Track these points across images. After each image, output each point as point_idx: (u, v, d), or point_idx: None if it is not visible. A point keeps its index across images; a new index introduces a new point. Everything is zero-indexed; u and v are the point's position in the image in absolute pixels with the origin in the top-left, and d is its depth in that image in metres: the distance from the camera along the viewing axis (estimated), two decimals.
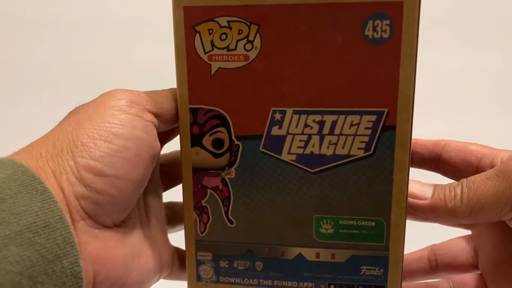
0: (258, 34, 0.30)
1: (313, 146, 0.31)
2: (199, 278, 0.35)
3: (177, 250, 0.36)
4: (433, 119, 0.73)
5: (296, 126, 0.31)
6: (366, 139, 0.31)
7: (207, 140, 0.32)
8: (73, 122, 0.30)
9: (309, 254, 0.33)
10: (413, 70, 0.29)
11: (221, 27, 0.30)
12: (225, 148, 0.32)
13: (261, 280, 0.34)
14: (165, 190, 0.37)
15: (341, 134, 0.31)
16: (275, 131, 0.31)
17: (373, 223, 0.32)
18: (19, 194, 0.25)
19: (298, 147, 0.32)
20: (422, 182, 0.33)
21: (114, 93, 0.30)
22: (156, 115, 0.31)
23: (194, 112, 0.32)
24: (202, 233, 0.34)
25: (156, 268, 0.33)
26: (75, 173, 0.28)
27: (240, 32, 0.30)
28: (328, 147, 0.31)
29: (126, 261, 0.31)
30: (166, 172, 0.36)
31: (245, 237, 0.33)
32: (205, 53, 0.31)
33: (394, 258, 0.32)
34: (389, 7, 0.29)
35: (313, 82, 0.30)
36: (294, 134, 0.31)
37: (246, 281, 0.34)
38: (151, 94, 0.32)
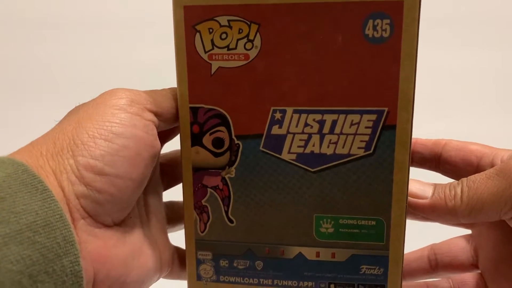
0: (258, 33, 0.30)
1: (313, 145, 0.31)
2: (199, 277, 0.35)
3: (177, 249, 0.36)
4: (433, 119, 0.73)
5: (296, 125, 0.31)
6: (366, 138, 0.31)
7: (207, 139, 0.32)
8: (73, 121, 0.30)
9: (309, 253, 0.33)
10: (413, 70, 0.29)
11: (221, 26, 0.30)
12: (225, 147, 0.32)
13: (261, 280, 0.34)
14: (165, 189, 0.37)
15: (341, 133, 0.31)
16: (275, 130, 0.31)
17: (373, 223, 0.32)
18: (19, 193, 0.25)
19: (298, 146, 0.32)
20: (422, 182, 0.33)
21: (114, 92, 0.30)
22: (156, 114, 0.31)
23: (194, 111, 0.32)
24: (202, 232, 0.34)
25: (156, 267, 0.33)
26: (75, 172, 0.28)
27: (241, 31, 0.30)
28: (328, 146, 0.31)
29: (126, 260, 0.30)
30: (166, 172, 0.36)
31: (245, 236, 0.33)
32: (205, 52, 0.31)
33: (394, 258, 0.32)
34: (389, 6, 0.29)
35: (313, 81, 0.30)
36: (294, 133, 0.31)
37: (246, 280, 0.34)
38: (151, 93, 0.32)
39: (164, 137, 0.34)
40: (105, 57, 0.81)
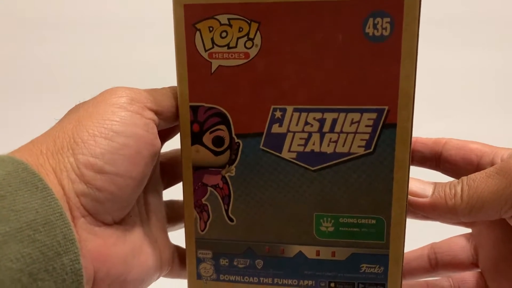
0: (258, 32, 0.30)
1: (314, 144, 0.31)
2: (199, 276, 0.35)
3: (177, 248, 0.36)
4: (433, 119, 0.73)
5: (297, 124, 0.31)
6: (367, 137, 0.31)
7: (207, 138, 0.32)
8: (74, 119, 0.30)
9: (309, 252, 0.33)
10: (413, 68, 0.29)
11: (221, 24, 0.30)
12: (225, 146, 0.32)
13: (261, 278, 0.34)
14: (165, 188, 0.37)
15: (341, 132, 0.31)
16: (276, 129, 0.31)
17: (374, 221, 0.32)
18: (19, 191, 0.25)
19: (299, 145, 0.31)
20: (423, 180, 0.33)
21: (114, 91, 0.30)
22: (156, 113, 0.31)
23: (194, 110, 0.32)
24: (202, 231, 0.34)
25: (156, 266, 0.33)
26: (75, 170, 0.28)
27: (241, 29, 0.30)
28: (328, 145, 0.31)
29: (126, 259, 0.30)
30: (166, 170, 0.36)
31: (245, 235, 0.33)
32: (206, 50, 0.31)
33: (394, 256, 0.32)
34: (390, 5, 0.29)
35: (314, 80, 0.30)
36: (294, 132, 0.31)
37: (246, 279, 0.34)
38: (152, 92, 0.32)
39: (164, 136, 0.34)
40: (105, 57, 0.81)
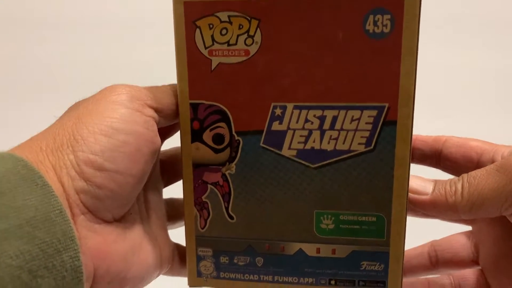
0: (258, 29, 0.30)
1: (314, 142, 0.31)
2: (199, 274, 0.35)
3: (177, 246, 0.36)
4: (433, 119, 0.73)
5: (297, 121, 0.31)
6: (367, 134, 0.31)
7: (207, 136, 0.32)
8: (73, 116, 0.30)
9: (310, 249, 0.33)
10: (413, 65, 0.29)
11: (221, 22, 0.30)
12: (225, 143, 0.32)
13: (261, 276, 0.34)
14: (165, 186, 0.37)
15: (341, 129, 0.31)
16: (276, 126, 0.31)
17: (374, 219, 0.32)
18: (19, 188, 0.25)
19: (299, 143, 0.31)
20: (423, 178, 0.33)
21: (114, 88, 0.30)
22: (156, 110, 0.31)
23: (194, 107, 0.32)
24: (202, 228, 0.34)
25: (156, 263, 0.33)
26: (75, 167, 0.28)
27: (241, 27, 0.30)
28: (328, 142, 0.31)
29: (126, 256, 0.30)
30: (166, 168, 0.36)
31: (246, 232, 0.33)
32: (206, 48, 0.31)
33: (394, 254, 0.32)
34: (390, 2, 0.29)
35: (314, 77, 0.30)
36: (294, 129, 0.31)
37: (247, 276, 0.34)
38: (152, 89, 0.32)
39: (164, 133, 0.34)
40: (105, 57, 0.81)
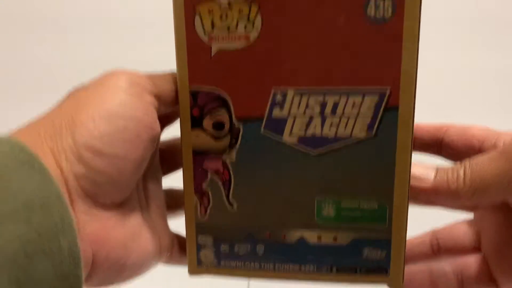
0: (258, 14, 0.30)
1: (315, 128, 0.31)
2: (199, 262, 0.34)
3: (177, 236, 0.36)
4: (433, 119, 0.73)
5: (298, 108, 0.31)
6: (369, 120, 0.30)
7: (207, 123, 0.32)
8: (72, 102, 0.29)
9: (311, 237, 0.33)
10: (415, 50, 0.29)
11: (221, 7, 0.30)
12: (225, 130, 0.32)
13: (262, 264, 0.34)
14: (164, 174, 0.36)
15: (343, 115, 0.31)
16: (276, 113, 0.31)
17: (376, 206, 0.32)
18: (16, 172, 0.25)
19: (300, 130, 0.31)
20: (425, 165, 0.32)
21: (114, 74, 0.30)
22: (156, 96, 0.31)
23: (194, 94, 0.32)
24: (202, 217, 0.34)
25: (156, 251, 0.33)
26: (74, 152, 0.28)
27: (241, 12, 0.30)
28: (330, 129, 0.31)
29: (126, 243, 0.30)
30: (165, 158, 0.36)
31: (246, 220, 0.33)
32: (205, 34, 0.31)
33: (396, 241, 0.32)
34: None
35: (315, 62, 0.30)
36: (295, 116, 0.31)
37: (248, 264, 0.34)
38: (152, 76, 0.31)
39: (164, 121, 0.34)
40: (105, 57, 0.81)
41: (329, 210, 0.32)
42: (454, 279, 0.35)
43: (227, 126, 0.32)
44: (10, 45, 0.84)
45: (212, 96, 0.31)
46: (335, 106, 0.31)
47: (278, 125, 0.31)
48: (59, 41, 0.83)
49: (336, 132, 0.31)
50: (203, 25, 0.31)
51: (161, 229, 0.34)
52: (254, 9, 0.30)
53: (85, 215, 0.28)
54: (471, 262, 0.35)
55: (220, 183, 0.33)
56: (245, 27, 0.30)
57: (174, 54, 0.31)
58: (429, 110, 0.67)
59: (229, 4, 0.30)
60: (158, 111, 0.31)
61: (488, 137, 0.34)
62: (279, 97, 0.31)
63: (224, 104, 0.31)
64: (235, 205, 0.33)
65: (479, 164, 0.31)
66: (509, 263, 0.33)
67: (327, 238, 0.33)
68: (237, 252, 0.34)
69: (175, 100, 0.32)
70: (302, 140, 0.31)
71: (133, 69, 0.31)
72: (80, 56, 0.82)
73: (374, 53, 0.29)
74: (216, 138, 0.32)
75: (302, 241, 0.33)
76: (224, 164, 0.32)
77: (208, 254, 0.34)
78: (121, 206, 0.31)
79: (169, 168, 0.37)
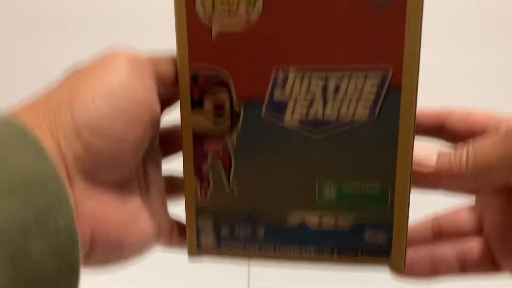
0: None
1: (316, 111, 0.31)
2: (199, 245, 0.34)
3: (176, 222, 0.35)
4: None
5: (299, 90, 0.31)
6: (371, 103, 0.30)
7: (207, 105, 0.32)
8: (72, 81, 0.29)
9: (312, 220, 0.32)
10: (419, 30, 0.29)
11: None
12: (226, 113, 0.31)
13: (262, 247, 0.33)
14: (163, 157, 0.36)
15: (345, 98, 0.30)
16: (278, 95, 0.31)
17: (378, 189, 0.31)
18: (12, 150, 0.25)
19: (301, 112, 0.31)
20: (427, 148, 0.32)
21: (114, 54, 0.30)
22: (156, 78, 0.31)
23: (194, 76, 0.31)
24: (202, 200, 0.33)
25: (155, 234, 0.33)
26: (72, 132, 0.28)
27: None
28: (331, 113, 0.31)
29: (125, 224, 0.30)
30: (165, 142, 0.35)
31: (247, 203, 0.33)
32: (206, 15, 0.30)
33: (398, 224, 0.32)
34: None
35: (317, 41, 0.30)
36: (297, 99, 0.31)
37: (248, 247, 0.34)
38: (152, 57, 0.31)
39: (164, 103, 0.33)
40: None
41: (330, 192, 0.32)
42: (456, 263, 0.35)
43: (227, 108, 0.31)
44: (10, 45, 0.84)
45: (212, 76, 0.31)
46: (336, 88, 0.30)
47: (279, 109, 0.31)
48: (59, 41, 0.83)
49: (338, 116, 0.31)
50: (203, 6, 0.30)
51: (161, 213, 0.34)
52: None
53: (84, 195, 0.28)
54: (473, 246, 0.35)
55: (220, 166, 0.32)
56: (246, 8, 0.30)
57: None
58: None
59: None
60: (158, 93, 0.31)
61: (491, 122, 0.34)
62: (280, 78, 0.30)
63: (224, 85, 0.31)
64: (235, 188, 0.33)
65: (481, 147, 0.31)
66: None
67: (328, 222, 0.32)
68: (237, 234, 0.33)
69: (175, 82, 0.32)
70: (304, 123, 0.31)
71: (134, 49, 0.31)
72: (80, 56, 0.82)
73: (377, 32, 0.29)
74: (217, 120, 0.32)
75: (303, 226, 0.33)
76: (225, 147, 0.32)
77: (208, 237, 0.34)
78: (121, 188, 0.30)
79: (168, 152, 0.36)
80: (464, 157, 0.31)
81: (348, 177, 0.31)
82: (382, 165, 0.31)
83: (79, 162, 0.28)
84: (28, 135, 0.26)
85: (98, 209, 0.29)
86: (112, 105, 0.28)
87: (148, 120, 0.30)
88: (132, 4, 0.83)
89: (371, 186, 0.31)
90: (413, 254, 0.35)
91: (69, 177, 0.28)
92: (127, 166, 0.30)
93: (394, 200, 0.31)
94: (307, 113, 0.31)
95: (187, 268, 0.91)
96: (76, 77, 0.29)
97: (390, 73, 0.30)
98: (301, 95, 0.31)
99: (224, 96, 0.31)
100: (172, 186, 0.36)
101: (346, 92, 0.30)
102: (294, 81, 0.30)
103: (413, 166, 0.31)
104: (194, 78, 0.31)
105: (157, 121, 0.31)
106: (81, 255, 0.26)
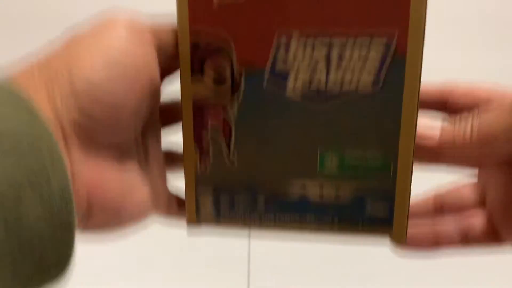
0: None
1: (319, 82, 0.30)
2: (198, 215, 0.33)
3: (176, 195, 0.35)
4: (433, 119, 0.73)
5: (303, 57, 0.30)
6: (375, 71, 0.30)
7: (208, 72, 0.31)
8: (71, 46, 0.29)
9: (313, 191, 0.32)
10: None
11: None
12: (227, 81, 0.31)
13: (262, 217, 0.33)
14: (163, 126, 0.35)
15: (348, 67, 0.30)
16: (280, 65, 0.30)
17: (380, 158, 0.31)
18: (6, 113, 0.24)
19: (304, 84, 0.30)
20: (431, 120, 0.32)
21: (115, 21, 0.30)
22: (157, 44, 0.30)
23: (195, 42, 0.31)
24: (202, 171, 0.33)
25: (153, 204, 0.32)
26: (70, 97, 0.27)
27: None
28: (335, 81, 0.30)
29: (122, 191, 0.29)
30: (165, 115, 0.35)
31: (247, 174, 0.32)
32: None
33: (400, 194, 0.31)
34: None
35: (320, 5, 0.29)
36: (299, 67, 0.30)
37: (247, 216, 0.33)
38: (153, 23, 0.31)
39: (164, 73, 0.33)
40: None
41: (332, 162, 0.31)
42: (457, 236, 0.34)
43: (228, 77, 0.31)
44: (10, 45, 0.84)
45: (213, 45, 0.31)
46: (340, 56, 0.30)
47: (281, 79, 0.31)
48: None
49: (341, 85, 0.30)
50: None
51: (160, 184, 0.33)
52: None
53: (81, 159, 0.28)
54: (475, 219, 0.34)
55: (220, 137, 0.32)
56: None
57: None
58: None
59: None
60: (158, 59, 0.30)
61: (495, 96, 0.33)
62: (283, 43, 0.30)
63: (225, 51, 0.31)
64: (236, 158, 0.32)
65: (486, 119, 0.30)
66: None
67: (329, 192, 0.32)
68: (237, 203, 0.33)
69: (176, 51, 0.31)
70: (306, 94, 0.31)
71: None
72: None
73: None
74: (217, 88, 0.31)
75: (304, 197, 0.32)
76: (225, 117, 0.32)
77: (207, 205, 0.33)
78: (119, 158, 0.30)
79: (168, 122, 0.36)
80: (468, 129, 0.31)
81: (351, 147, 0.31)
82: (385, 135, 0.31)
83: (76, 127, 0.27)
84: (21, 97, 0.25)
85: (95, 174, 0.28)
86: (112, 70, 0.28)
87: (148, 87, 0.29)
88: (132, 4, 0.83)
89: (373, 156, 0.31)
90: (415, 226, 0.34)
91: (65, 141, 0.27)
92: (125, 133, 0.30)
93: (396, 169, 0.31)
94: (310, 82, 0.30)
95: (187, 268, 0.90)
96: (75, 42, 0.29)
97: (395, 41, 0.29)
98: (304, 63, 0.30)
99: (225, 63, 0.31)
100: (172, 159, 0.35)
101: (350, 60, 0.30)
102: (297, 48, 0.30)
103: (416, 140, 0.31)
104: (194, 45, 0.31)
105: (156, 89, 0.30)
106: (76, 218, 0.25)
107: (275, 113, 0.31)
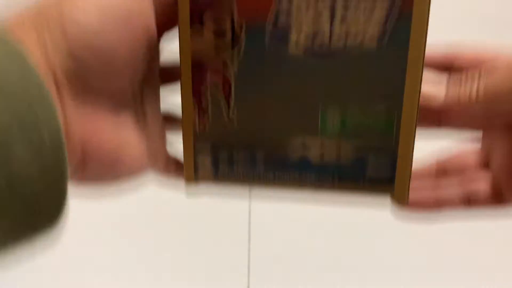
0: None
1: (323, 38, 0.30)
2: (196, 172, 0.32)
3: (174, 156, 0.34)
4: None
5: (306, 11, 0.29)
6: (379, 29, 0.29)
7: (207, 25, 0.30)
8: None
9: (314, 150, 0.31)
10: None
11: None
12: (227, 35, 0.30)
13: (262, 175, 0.32)
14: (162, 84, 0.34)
15: (353, 22, 0.29)
16: (282, 21, 0.30)
17: (383, 116, 0.30)
18: None
19: (306, 40, 0.30)
20: (435, 79, 0.31)
21: None
22: None
23: None
24: (201, 128, 0.32)
25: (150, 160, 0.31)
26: (62, 45, 0.26)
27: None
28: (338, 38, 0.29)
29: (118, 145, 0.29)
30: (164, 73, 0.34)
31: (247, 132, 0.31)
32: None
33: (403, 153, 0.30)
34: None
35: None
36: (302, 24, 0.30)
37: (246, 173, 0.32)
38: None
39: (163, 26, 0.32)
40: None
41: (334, 120, 0.31)
42: (460, 198, 0.33)
43: (229, 32, 0.30)
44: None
45: None
46: (344, 11, 0.29)
47: (283, 35, 0.30)
48: None
49: (345, 40, 0.30)
50: None
51: (157, 141, 0.33)
52: None
53: (74, 109, 0.27)
54: (478, 181, 0.33)
55: (220, 94, 0.31)
56: None
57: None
58: None
59: None
60: (155, 9, 0.29)
61: (501, 60, 0.33)
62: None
63: (226, 7, 0.30)
64: (235, 116, 0.31)
65: (492, 80, 0.30)
66: None
67: (330, 150, 0.31)
68: (236, 161, 0.32)
69: (175, 2, 0.30)
70: (309, 48, 0.30)
71: None
72: None
73: None
74: (217, 43, 0.30)
75: (304, 157, 0.31)
76: (225, 74, 0.31)
77: (205, 163, 0.32)
78: (116, 111, 0.29)
79: (167, 80, 0.35)
80: (474, 89, 0.30)
81: (353, 105, 0.30)
82: (389, 92, 0.30)
83: (68, 73, 0.26)
84: (10, 43, 0.24)
85: (90, 124, 0.27)
86: (104, 14, 0.27)
87: (142, 34, 0.28)
88: None
89: (376, 114, 0.30)
90: (417, 186, 0.33)
91: (57, 88, 0.26)
92: (119, 81, 0.29)
93: (400, 128, 0.30)
94: (313, 35, 0.30)
95: (187, 268, 0.89)
96: None
97: None
98: (308, 15, 0.29)
99: (225, 14, 0.30)
100: (170, 120, 0.35)
101: (355, 12, 0.29)
102: (299, 3, 0.29)
103: (421, 100, 0.30)
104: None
105: (152, 40, 0.30)
106: (68, 166, 0.25)
107: (276, 69, 0.30)
